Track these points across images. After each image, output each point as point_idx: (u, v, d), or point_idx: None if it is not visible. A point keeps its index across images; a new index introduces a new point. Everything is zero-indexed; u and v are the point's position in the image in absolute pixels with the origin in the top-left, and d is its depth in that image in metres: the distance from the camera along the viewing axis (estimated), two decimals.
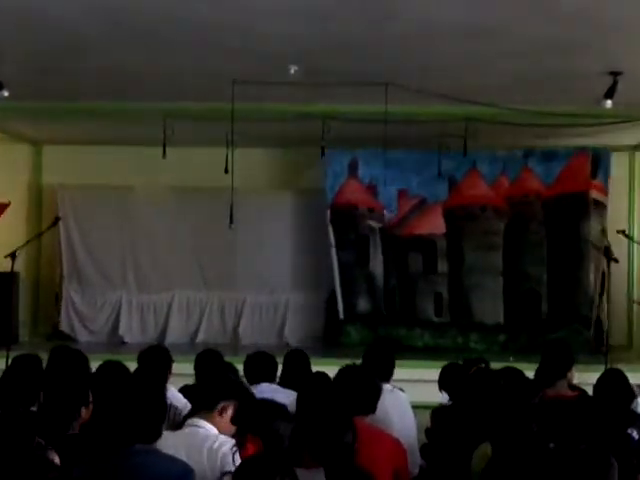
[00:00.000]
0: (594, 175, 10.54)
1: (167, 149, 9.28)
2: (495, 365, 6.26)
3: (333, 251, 10.92)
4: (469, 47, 7.17)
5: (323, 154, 9.37)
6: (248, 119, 8.66)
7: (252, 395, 4.46)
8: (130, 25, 6.76)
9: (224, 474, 3.58)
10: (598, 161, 10.52)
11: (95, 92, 8.84)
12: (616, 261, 9.36)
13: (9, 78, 8.06)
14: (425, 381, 6.92)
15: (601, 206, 10.61)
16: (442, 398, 5.90)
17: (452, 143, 9.87)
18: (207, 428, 3.99)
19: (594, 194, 10.55)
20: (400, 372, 5.88)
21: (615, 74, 7.68)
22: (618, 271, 10.30)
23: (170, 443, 3.74)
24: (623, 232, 10.35)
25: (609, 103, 7.90)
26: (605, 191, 10.59)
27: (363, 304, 10.99)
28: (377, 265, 11.00)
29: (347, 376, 4.67)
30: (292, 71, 7.78)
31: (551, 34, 6.75)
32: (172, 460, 3.61)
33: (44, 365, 5.35)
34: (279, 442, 3.52)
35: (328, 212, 10.89)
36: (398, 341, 10.59)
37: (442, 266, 10.93)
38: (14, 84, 8.15)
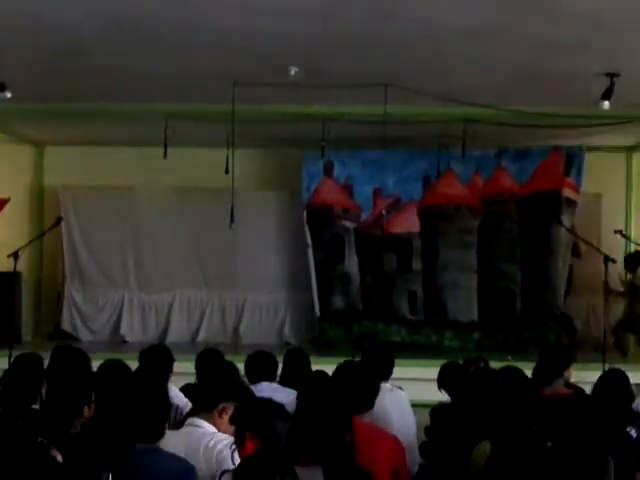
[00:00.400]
0: (567, 173, 10.55)
1: (168, 150, 9.31)
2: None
3: (309, 251, 10.96)
4: (469, 47, 7.17)
5: (323, 154, 9.41)
6: (248, 120, 8.69)
7: (252, 396, 4.49)
8: (131, 27, 6.76)
9: (223, 473, 3.61)
10: (572, 160, 10.52)
11: (97, 93, 8.84)
12: (613, 261, 9.37)
13: (12, 79, 8.08)
14: (424, 380, 6.95)
15: (573, 204, 10.60)
16: (442, 397, 5.93)
17: (451, 143, 9.93)
18: (205, 427, 4.01)
19: (567, 192, 10.56)
20: (399, 370, 5.92)
21: (612, 75, 7.69)
22: (617, 271, 10.31)
23: (172, 442, 3.76)
24: (620, 232, 10.38)
25: (606, 104, 7.91)
26: (577, 189, 10.59)
27: (338, 302, 11.00)
28: (352, 264, 11.03)
29: (344, 373, 4.69)
30: (292, 72, 7.79)
31: (551, 34, 6.74)
32: (174, 458, 3.63)
33: (46, 364, 5.39)
34: (276, 441, 3.54)
35: (304, 213, 10.94)
36: (376, 336, 10.66)
37: (417, 265, 10.97)
38: (17, 85, 8.17)
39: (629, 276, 10.23)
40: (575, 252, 10.76)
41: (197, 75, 8.19)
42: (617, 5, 6.13)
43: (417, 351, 9.98)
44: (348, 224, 11.03)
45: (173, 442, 3.78)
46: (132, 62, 7.76)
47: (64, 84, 8.52)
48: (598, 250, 9.71)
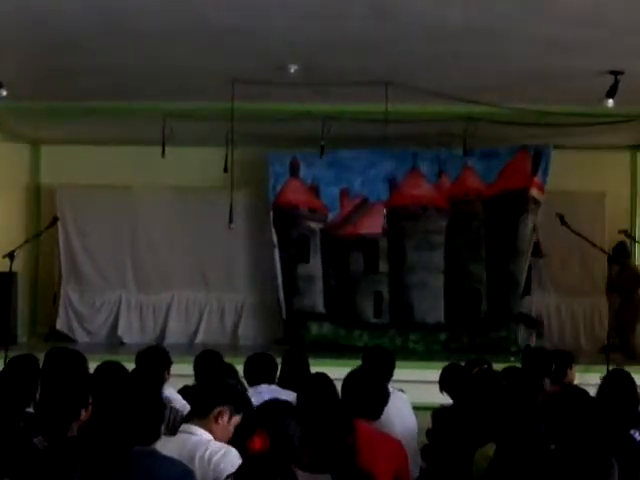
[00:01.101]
0: (534, 172, 10.54)
1: (166, 148, 9.27)
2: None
3: (275, 251, 10.91)
4: (469, 47, 7.16)
5: (322, 154, 9.38)
6: (247, 119, 8.66)
7: (248, 399, 4.41)
8: (129, 24, 6.74)
9: (226, 478, 3.55)
10: (539, 159, 10.51)
11: (94, 91, 8.81)
12: (616, 261, 9.33)
13: (8, 77, 8.03)
14: (425, 382, 6.91)
15: (538, 204, 10.60)
16: (443, 399, 5.88)
17: (451, 142, 9.91)
18: (199, 434, 3.90)
19: (533, 192, 10.56)
20: (400, 373, 5.87)
21: (616, 73, 7.67)
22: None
23: (166, 450, 3.68)
24: (625, 232, 10.35)
25: (611, 102, 7.89)
26: (543, 189, 10.57)
27: (299, 303, 10.96)
28: (316, 266, 11.01)
29: (356, 380, 4.58)
30: (292, 70, 7.76)
31: (551, 34, 6.73)
32: (172, 462, 3.60)
33: (41, 365, 5.33)
34: (289, 442, 3.47)
35: (271, 212, 10.89)
36: (336, 341, 10.65)
37: (383, 266, 10.95)
38: (13, 83, 8.12)
39: (615, 268, 10.04)
40: (537, 252, 10.74)
41: (196, 73, 8.15)
42: (618, 4, 6.09)
43: None
44: (314, 225, 11.00)
45: (168, 449, 3.70)
46: (130, 60, 7.73)
47: (61, 82, 8.51)
48: (602, 250, 9.68)
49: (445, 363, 6.29)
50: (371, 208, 10.92)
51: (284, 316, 10.94)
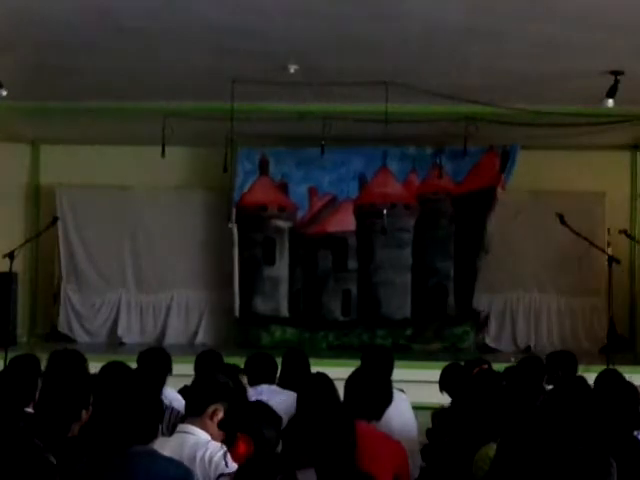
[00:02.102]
0: (502, 172, 10.62)
1: (166, 148, 9.27)
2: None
3: (235, 250, 10.89)
4: (469, 47, 7.15)
5: (322, 153, 9.38)
6: (248, 119, 8.66)
7: (242, 396, 4.41)
8: (129, 24, 6.73)
9: (219, 477, 3.56)
10: (506, 158, 10.57)
11: (94, 91, 8.80)
12: (617, 261, 9.32)
13: (7, 77, 8.02)
14: (426, 382, 6.91)
15: (500, 203, 10.69)
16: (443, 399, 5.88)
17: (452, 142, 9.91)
18: (197, 434, 3.89)
19: (498, 190, 10.64)
20: (400, 373, 5.87)
21: (616, 73, 7.66)
22: (620, 271, 10.28)
23: (165, 450, 3.69)
24: (625, 232, 10.33)
25: (611, 102, 7.88)
26: (504, 187, 10.64)
27: (261, 305, 10.95)
28: (282, 268, 11.02)
29: (360, 380, 4.55)
30: (292, 70, 7.76)
31: (551, 34, 6.72)
32: (171, 462, 3.60)
33: (42, 365, 5.33)
34: (266, 445, 3.49)
35: (234, 210, 10.84)
36: (301, 344, 10.55)
37: (352, 263, 11.00)
38: (12, 83, 8.11)
39: None
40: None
41: (196, 73, 8.14)
42: (618, 4, 6.09)
43: (346, 352, 9.80)
44: (282, 223, 11.00)
45: (167, 450, 3.69)
46: (130, 60, 7.73)
47: (61, 82, 8.48)
48: (602, 250, 9.67)
49: (441, 363, 6.32)
50: (340, 206, 10.97)
51: (237, 315, 10.91)
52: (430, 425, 5.79)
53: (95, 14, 6.51)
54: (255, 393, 5.20)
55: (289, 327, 10.94)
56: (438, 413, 5.62)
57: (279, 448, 3.78)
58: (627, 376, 5.36)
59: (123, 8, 6.37)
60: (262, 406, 4.17)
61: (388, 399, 4.53)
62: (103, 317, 11.56)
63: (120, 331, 11.41)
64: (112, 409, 3.64)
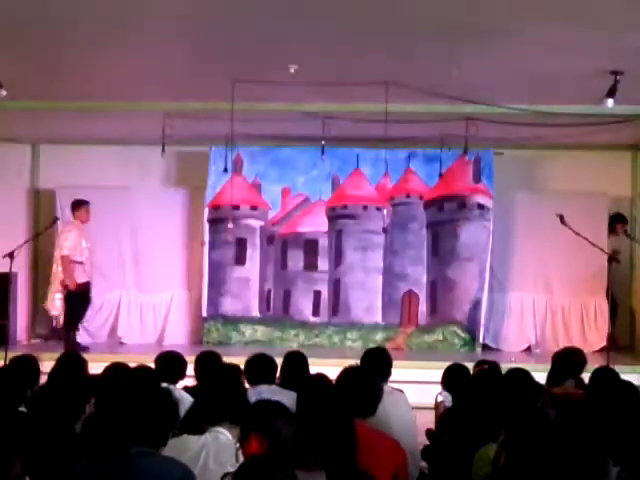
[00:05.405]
0: (478, 179, 10.66)
1: (166, 148, 9.27)
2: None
3: (205, 249, 10.93)
4: (469, 47, 7.14)
5: (323, 153, 9.39)
6: (248, 118, 8.66)
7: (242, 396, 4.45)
8: (129, 24, 6.72)
9: (224, 476, 3.55)
10: (479, 165, 10.62)
11: (95, 91, 8.79)
12: (617, 261, 9.32)
13: (7, 77, 8.01)
14: (426, 382, 6.92)
15: (485, 209, 10.70)
16: (444, 398, 5.87)
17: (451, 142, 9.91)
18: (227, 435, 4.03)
19: (477, 197, 10.69)
20: (400, 373, 5.87)
21: (616, 73, 7.65)
22: (621, 271, 10.28)
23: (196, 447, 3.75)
24: (625, 232, 10.34)
25: (611, 102, 7.87)
26: (490, 194, 10.67)
27: (229, 305, 10.98)
28: (253, 269, 11.07)
29: (348, 377, 4.64)
30: (292, 70, 7.75)
31: (551, 34, 6.72)
32: (171, 462, 3.60)
33: (42, 365, 5.34)
34: (282, 444, 3.48)
35: (206, 210, 10.89)
36: (272, 342, 10.69)
37: (323, 264, 11.02)
38: (12, 83, 8.10)
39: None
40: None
41: (196, 73, 8.13)
42: (618, 4, 6.08)
43: (319, 352, 9.79)
44: (254, 222, 11.05)
45: (200, 444, 3.76)
46: (130, 60, 7.71)
47: (61, 82, 8.46)
48: (602, 250, 9.67)
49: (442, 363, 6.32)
50: (312, 207, 11.01)
51: (204, 314, 10.95)
52: (429, 425, 5.79)
53: (95, 14, 6.48)
54: (255, 393, 5.19)
55: (260, 326, 10.97)
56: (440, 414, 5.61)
57: None
58: (627, 376, 5.38)
59: (124, 7, 6.34)
60: (280, 407, 4.17)
61: (378, 394, 4.57)
62: (103, 317, 11.55)
63: (120, 331, 11.40)
64: (124, 412, 3.63)
